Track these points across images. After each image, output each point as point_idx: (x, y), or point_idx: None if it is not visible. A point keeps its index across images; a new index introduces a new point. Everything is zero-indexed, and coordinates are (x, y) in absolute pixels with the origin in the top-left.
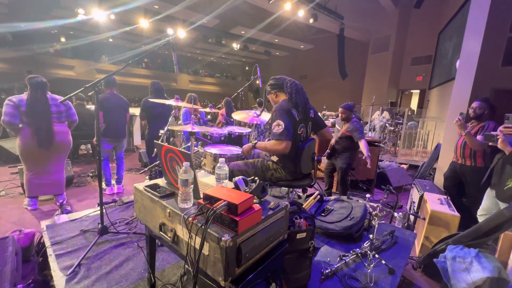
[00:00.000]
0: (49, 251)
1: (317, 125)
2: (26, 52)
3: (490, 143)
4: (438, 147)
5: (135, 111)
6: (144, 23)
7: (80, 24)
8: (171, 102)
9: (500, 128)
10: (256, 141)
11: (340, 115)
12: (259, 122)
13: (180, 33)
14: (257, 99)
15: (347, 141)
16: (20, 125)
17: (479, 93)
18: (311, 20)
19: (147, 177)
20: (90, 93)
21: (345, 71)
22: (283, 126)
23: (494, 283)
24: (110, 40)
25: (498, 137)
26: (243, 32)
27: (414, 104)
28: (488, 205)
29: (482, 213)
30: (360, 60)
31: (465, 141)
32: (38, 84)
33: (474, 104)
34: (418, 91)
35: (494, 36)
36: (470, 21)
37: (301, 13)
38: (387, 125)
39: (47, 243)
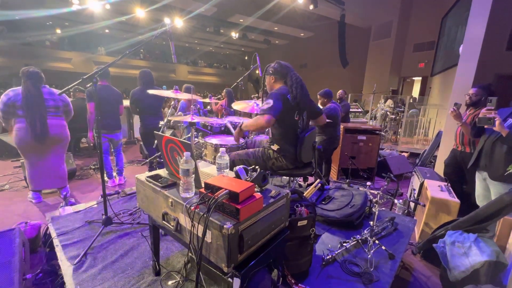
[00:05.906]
0: (56, 241)
1: (313, 113)
2: (22, 44)
3: (485, 126)
4: (439, 134)
5: None
6: (140, 13)
7: (75, 15)
8: (169, 93)
9: (483, 110)
10: (241, 121)
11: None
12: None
13: (178, 22)
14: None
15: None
16: (14, 118)
17: (483, 79)
18: (311, 7)
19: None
20: (88, 85)
21: (346, 59)
22: (271, 103)
23: (492, 267)
24: (107, 31)
25: (495, 119)
26: (242, 21)
27: (416, 91)
28: (481, 189)
29: (479, 199)
30: (361, 48)
31: None
32: (29, 75)
33: (471, 91)
34: (420, 78)
35: (499, 20)
36: (474, 4)
37: None
38: (388, 113)
39: (53, 234)
